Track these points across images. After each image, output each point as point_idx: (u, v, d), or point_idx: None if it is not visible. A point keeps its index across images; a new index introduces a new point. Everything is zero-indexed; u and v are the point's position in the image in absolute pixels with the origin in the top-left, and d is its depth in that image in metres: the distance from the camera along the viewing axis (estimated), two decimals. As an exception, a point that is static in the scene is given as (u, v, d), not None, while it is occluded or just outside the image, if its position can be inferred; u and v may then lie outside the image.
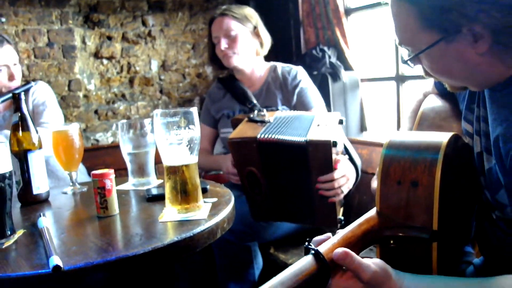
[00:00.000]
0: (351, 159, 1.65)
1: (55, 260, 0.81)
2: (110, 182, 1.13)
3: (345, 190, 1.55)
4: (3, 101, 1.82)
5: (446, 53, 0.84)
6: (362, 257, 0.79)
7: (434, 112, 1.18)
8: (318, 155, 1.46)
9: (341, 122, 1.60)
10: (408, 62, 0.92)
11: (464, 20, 0.79)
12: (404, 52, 0.93)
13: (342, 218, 1.59)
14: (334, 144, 1.43)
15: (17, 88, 1.87)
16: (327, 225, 1.63)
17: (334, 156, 1.48)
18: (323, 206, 1.54)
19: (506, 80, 0.85)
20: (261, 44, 2.04)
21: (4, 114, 1.96)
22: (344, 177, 1.53)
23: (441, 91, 1.20)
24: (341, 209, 1.65)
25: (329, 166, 1.47)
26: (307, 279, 0.76)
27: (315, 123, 1.57)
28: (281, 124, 1.60)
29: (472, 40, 0.81)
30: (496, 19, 0.77)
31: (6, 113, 1.96)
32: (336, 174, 1.49)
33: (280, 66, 2.08)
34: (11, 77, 1.88)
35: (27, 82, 1.94)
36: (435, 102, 1.21)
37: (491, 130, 0.88)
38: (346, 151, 1.66)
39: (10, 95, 1.76)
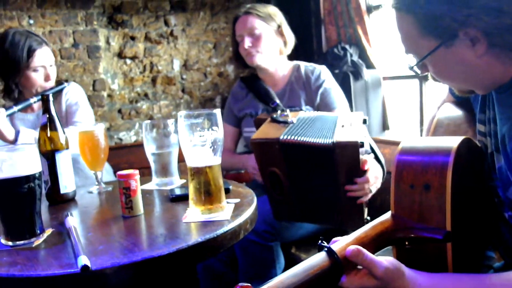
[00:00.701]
0: (376, 158, 1.64)
1: (83, 260, 0.83)
2: (135, 183, 1.15)
3: (374, 190, 1.54)
4: (38, 101, 1.90)
5: (447, 58, 0.89)
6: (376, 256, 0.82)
7: (448, 119, 1.20)
8: (345, 157, 1.45)
9: (364, 121, 1.59)
10: (415, 68, 0.97)
11: (457, 24, 0.83)
12: (411, 59, 0.97)
13: (369, 218, 1.58)
14: (362, 144, 1.42)
15: (51, 88, 1.95)
16: (354, 226, 1.62)
17: (361, 157, 1.47)
18: (351, 207, 1.53)
19: (510, 80, 0.88)
20: (285, 43, 2.03)
21: (38, 112, 2.03)
22: (374, 177, 1.52)
23: (456, 98, 1.22)
24: (366, 209, 1.64)
25: (356, 167, 1.47)
26: (319, 274, 0.79)
27: (339, 123, 1.56)
28: (304, 125, 1.59)
29: (470, 43, 0.85)
30: (486, 22, 0.81)
31: (41, 112, 2.01)
32: (368, 175, 1.48)
33: (304, 66, 2.07)
34: (47, 78, 1.95)
35: (61, 83, 2.01)
36: (449, 110, 1.23)
37: (498, 129, 0.92)
38: (372, 150, 1.65)
39: (47, 92, 1.83)
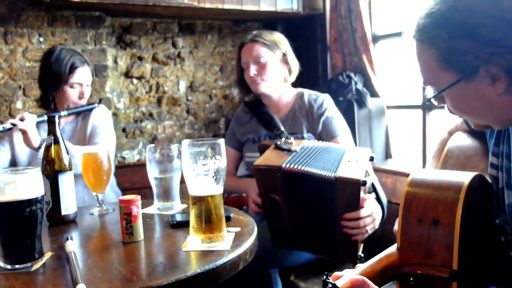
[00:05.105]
0: (378, 198, 1.63)
1: (82, 288, 0.83)
2: (137, 209, 1.15)
3: (370, 230, 1.54)
4: (67, 115, 1.99)
5: (466, 93, 0.88)
6: None
7: (459, 149, 1.18)
8: (346, 193, 1.45)
9: (371, 159, 1.59)
10: (432, 100, 0.96)
11: (479, 61, 0.83)
12: (429, 91, 0.96)
13: (362, 255, 1.57)
14: (364, 183, 1.42)
15: (82, 106, 2.05)
16: (347, 261, 1.62)
17: (362, 195, 1.47)
18: (345, 242, 1.52)
19: None
20: (289, 71, 2.05)
21: (63, 127, 2.10)
22: (370, 217, 1.52)
23: (470, 127, 1.20)
24: (361, 245, 1.63)
25: (355, 205, 1.47)
26: None
27: (346, 158, 1.56)
28: (308, 155, 1.59)
29: (490, 80, 0.84)
30: (509, 61, 0.81)
31: (65, 126, 2.10)
32: (363, 212, 1.48)
33: (307, 93, 2.09)
34: (81, 95, 2.05)
35: (92, 103, 2.11)
36: (461, 140, 1.20)
37: None
38: (374, 189, 1.64)
39: (75, 110, 2.02)
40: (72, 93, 2.01)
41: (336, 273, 0.88)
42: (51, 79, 1.98)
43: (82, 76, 2.02)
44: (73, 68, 1.98)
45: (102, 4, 2.50)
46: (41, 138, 1.85)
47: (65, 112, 1.97)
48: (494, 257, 1.02)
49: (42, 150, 1.78)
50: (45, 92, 2.04)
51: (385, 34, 2.75)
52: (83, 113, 2.09)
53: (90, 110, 2.08)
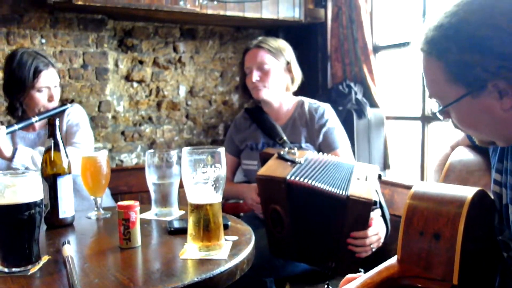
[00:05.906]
0: (383, 214, 1.64)
1: (79, 295, 0.83)
2: (135, 214, 1.15)
3: (375, 248, 1.54)
4: (39, 120, 1.92)
5: (472, 107, 0.87)
6: None
7: (461, 164, 1.18)
8: (356, 212, 1.46)
9: (379, 177, 1.60)
10: (438, 114, 0.95)
11: (488, 75, 0.82)
12: (434, 105, 0.95)
13: (362, 271, 1.57)
14: (375, 203, 1.43)
15: (54, 109, 1.98)
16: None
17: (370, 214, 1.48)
18: (348, 259, 1.53)
19: None
20: (292, 80, 2.04)
21: (39, 131, 2.06)
22: (376, 235, 1.53)
23: (473, 142, 1.20)
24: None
25: (364, 223, 1.47)
26: None
27: (355, 175, 1.56)
28: (314, 168, 1.59)
29: (497, 96, 0.83)
30: None
31: (41, 131, 2.06)
32: (370, 232, 1.49)
33: (308, 102, 2.08)
34: (50, 98, 1.98)
35: (64, 104, 2.05)
36: (463, 155, 1.20)
37: None
38: (380, 205, 1.65)
39: (47, 114, 1.92)
40: (40, 97, 1.95)
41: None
42: (16, 86, 1.92)
43: (48, 79, 1.96)
44: (37, 72, 1.91)
45: (105, 7, 2.50)
46: (14, 147, 1.81)
47: (36, 118, 1.90)
48: (494, 273, 1.02)
49: (15, 160, 1.76)
50: (12, 99, 1.97)
51: (386, 44, 2.77)
52: (56, 115, 1.97)
53: (63, 111, 2.01)
